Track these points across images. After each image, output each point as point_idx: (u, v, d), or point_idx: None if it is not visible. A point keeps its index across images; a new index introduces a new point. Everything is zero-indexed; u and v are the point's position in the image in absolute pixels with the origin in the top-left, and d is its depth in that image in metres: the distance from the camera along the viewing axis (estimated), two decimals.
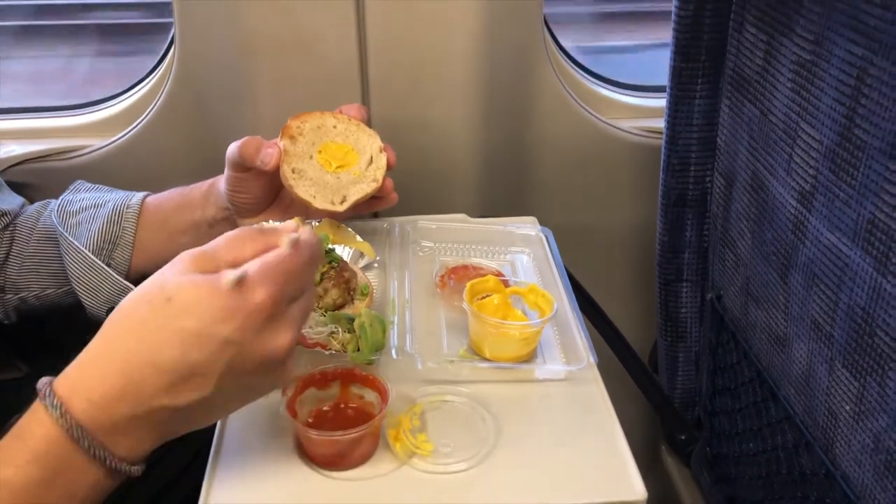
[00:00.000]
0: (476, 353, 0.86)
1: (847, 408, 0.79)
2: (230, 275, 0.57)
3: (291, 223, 0.66)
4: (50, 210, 1.05)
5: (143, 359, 0.58)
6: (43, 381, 0.59)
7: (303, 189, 0.92)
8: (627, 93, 1.35)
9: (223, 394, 0.60)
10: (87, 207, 1.04)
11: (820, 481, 0.86)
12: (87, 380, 0.59)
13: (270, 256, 0.60)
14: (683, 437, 1.30)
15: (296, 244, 0.61)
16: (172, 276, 0.60)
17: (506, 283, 0.91)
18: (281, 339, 0.60)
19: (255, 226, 0.65)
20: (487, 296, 0.88)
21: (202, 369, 0.58)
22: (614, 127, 1.29)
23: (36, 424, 0.58)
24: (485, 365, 0.84)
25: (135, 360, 0.58)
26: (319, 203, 0.92)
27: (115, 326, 0.60)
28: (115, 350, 0.59)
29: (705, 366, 1.19)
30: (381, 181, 0.94)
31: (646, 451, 1.42)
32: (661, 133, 1.11)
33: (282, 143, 0.93)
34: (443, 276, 0.97)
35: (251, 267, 0.59)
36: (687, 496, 1.30)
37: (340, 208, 0.92)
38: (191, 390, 0.58)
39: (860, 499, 0.78)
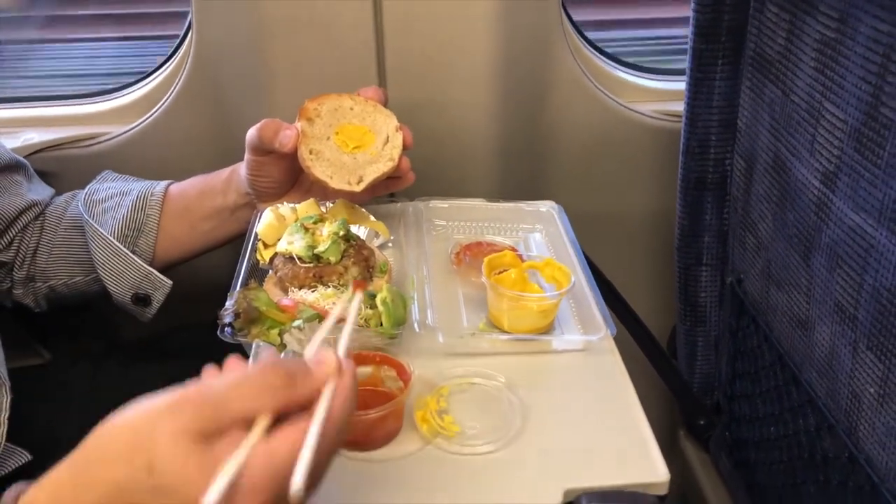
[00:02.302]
0: (495, 326, 0.87)
1: (871, 390, 0.78)
2: (212, 496, 0.47)
3: (331, 361, 0.54)
4: (77, 200, 1.07)
5: None
6: (14, 489, 0.54)
7: (320, 170, 0.92)
8: (646, 76, 1.34)
9: None
10: (112, 196, 1.06)
11: (843, 465, 0.86)
12: None
13: (279, 455, 0.50)
14: (702, 422, 1.29)
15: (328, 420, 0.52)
16: (167, 431, 0.49)
17: (521, 259, 0.92)
18: None
19: (280, 362, 0.54)
20: (504, 270, 0.89)
21: None
22: (633, 110, 1.28)
23: None
24: (504, 337, 0.85)
25: None
26: (336, 183, 0.92)
27: (91, 465, 0.52)
28: (83, 495, 0.51)
29: (725, 350, 1.18)
30: (397, 160, 0.94)
31: (664, 436, 1.41)
32: (680, 116, 1.10)
33: (299, 124, 0.94)
34: (458, 253, 0.98)
35: (261, 462, 0.49)
36: (706, 481, 1.30)
37: (357, 188, 0.92)
38: None
39: (884, 482, 0.78)
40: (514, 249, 0.97)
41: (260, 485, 0.49)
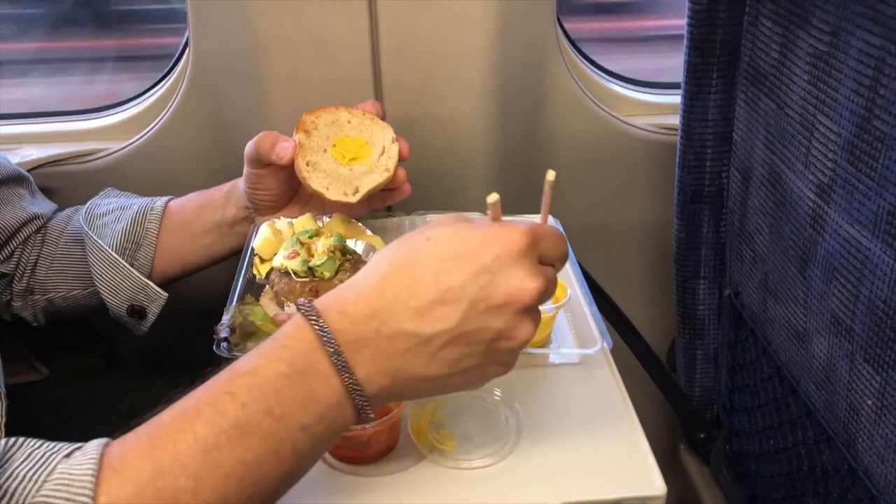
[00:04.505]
0: None
1: (869, 402, 0.78)
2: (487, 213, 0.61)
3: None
4: (79, 214, 1.08)
5: (399, 281, 0.59)
6: (302, 300, 0.62)
7: (316, 181, 0.93)
8: (642, 90, 1.34)
9: (464, 336, 0.60)
10: (112, 210, 1.07)
11: (842, 477, 0.85)
12: (343, 298, 0.61)
13: (528, 221, 0.64)
14: (702, 436, 1.29)
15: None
16: (433, 226, 0.63)
17: None
18: (532, 281, 0.60)
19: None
20: None
21: (453, 294, 0.59)
22: (629, 124, 1.28)
23: (291, 326, 0.60)
24: None
25: (391, 283, 0.60)
26: (332, 194, 0.92)
27: (374, 263, 0.62)
28: (373, 276, 0.61)
29: (724, 363, 1.18)
30: (392, 171, 0.94)
31: (665, 450, 1.41)
32: (676, 130, 1.11)
33: (297, 136, 0.94)
34: None
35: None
36: (707, 495, 1.29)
37: (353, 199, 0.93)
38: (438, 319, 0.59)
39: (883, 494, 0.78)
40: None
41: (523, 224, 0.62)
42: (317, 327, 0.58)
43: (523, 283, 0.60)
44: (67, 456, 0.56)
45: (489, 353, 0.62)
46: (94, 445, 0.56)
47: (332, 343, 0.58)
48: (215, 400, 0.57)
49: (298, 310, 0.60)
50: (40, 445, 0.57)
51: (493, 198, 0.61)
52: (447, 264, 0.59)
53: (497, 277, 0.59)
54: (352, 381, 0.59)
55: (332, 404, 0.59)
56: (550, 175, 0.62)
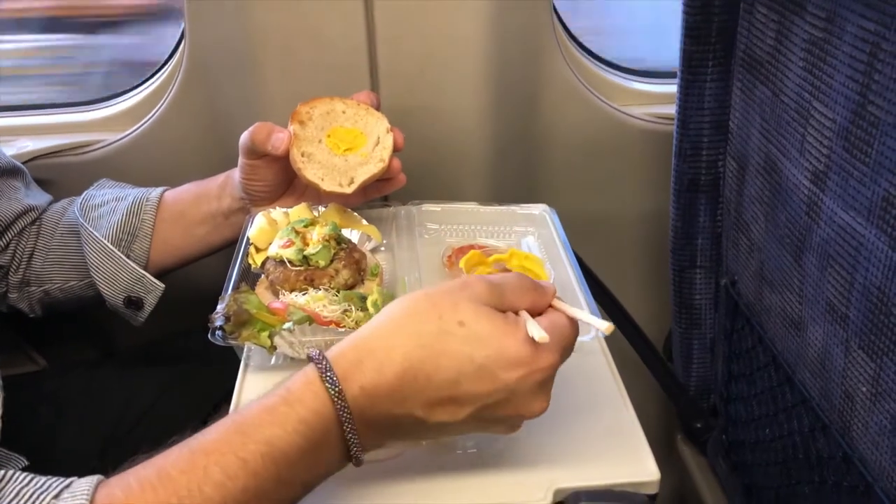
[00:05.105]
0: None
1: (864, 389, 0.78)
2: (534, 330, 0.61)
3: (552, 286, 0.67)
4: (74, 205, 1.08)
5: (422, 368, 0.59)
6: (317, 353, 0.61)
7: (311, 172, 0.93)
8: (638, 79, 1.34)
9: (464, 424, 0.62)
10: (108, 201, 1.07)
11: (837, 465, 0.86)
12: (364, 368, 0.60)
13: (560, 324, 0.64)
14: (699, 426, 1.29)
15: (573, 320, 0.65)
16: (466, 300, 0.61)
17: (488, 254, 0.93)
18: (541, 404, 0.63)
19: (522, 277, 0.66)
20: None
21: (468, 399, 0.60)
22: (625, 114, 1.28)
23: (310, 396, 0.59)
24: None
25: (414, 366, 0.60)
26: (328, 185, 0.92)
27: (400, 324, 0.62)
28: (397, 347, 0.60)
29: (720, 352, 1.18)
30: (387, 161, 0.94)
31: (662, 440, 1.41)
32: (672, 119, 1.10)
33: (292, 127, 0.94)
34: (450, 256, 0.98)
35: (548, 329, 0.62)
36: (704, 485, 1.29)
37: (348, 190, 0.93)
38: (446, 413, 0.61)
39: (877, 481, 0.78)
40: (481, 249, 0.98)
41: (558, 343, 0.62)
42: (339, 406, 0.59)
43: (533, 405, 0.63)
44: (56, 497, 0.56)
45: (490, 429, 0.66)
46: (84, 488, 0.56)
47: (351, 423, 0.59)
48: (226, 463, 0.56)
49: (317, 368, 0.60)
50: (29, 482, 0.57)
51: (542, 338, 0.61)
52: (471, 369, 0.60)
53: (513, 397, 0.61)
54: (358, 451, 0.61)
55: (330, 465, 0.62)
56: (609, 330, 0.65)
